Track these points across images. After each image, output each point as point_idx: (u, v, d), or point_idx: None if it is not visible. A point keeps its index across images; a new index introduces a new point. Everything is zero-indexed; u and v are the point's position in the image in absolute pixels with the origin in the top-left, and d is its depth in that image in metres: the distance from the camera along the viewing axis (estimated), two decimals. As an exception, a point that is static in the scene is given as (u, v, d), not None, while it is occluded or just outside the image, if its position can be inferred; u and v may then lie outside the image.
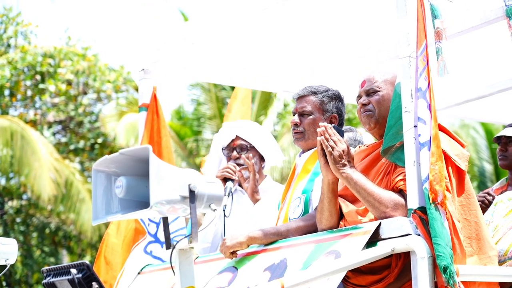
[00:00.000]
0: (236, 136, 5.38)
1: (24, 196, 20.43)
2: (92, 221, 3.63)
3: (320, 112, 4.65)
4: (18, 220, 20.76)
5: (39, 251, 21.29)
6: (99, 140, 20.87)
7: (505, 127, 5.66)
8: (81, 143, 21.07)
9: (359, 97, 4.13)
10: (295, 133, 4.67)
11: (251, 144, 5.36)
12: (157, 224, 5.53)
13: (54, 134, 21.52)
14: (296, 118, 4.66)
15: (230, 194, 4.97)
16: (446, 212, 3.63)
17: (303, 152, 4.71)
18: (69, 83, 20.68)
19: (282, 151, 15.72)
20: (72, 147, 21.04)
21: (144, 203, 3.42)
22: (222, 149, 5.44)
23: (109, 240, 5.55)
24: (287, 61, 5.85)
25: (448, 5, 3.97)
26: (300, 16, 5.03)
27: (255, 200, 5.08)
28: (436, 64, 3.81)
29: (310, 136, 4.63)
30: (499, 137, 5.57)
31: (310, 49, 5.64)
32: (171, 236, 4.08)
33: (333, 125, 3.91)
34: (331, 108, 4.66)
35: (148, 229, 5.52)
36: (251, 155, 5.24)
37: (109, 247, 5.55)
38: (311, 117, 4.64)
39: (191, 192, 3.46)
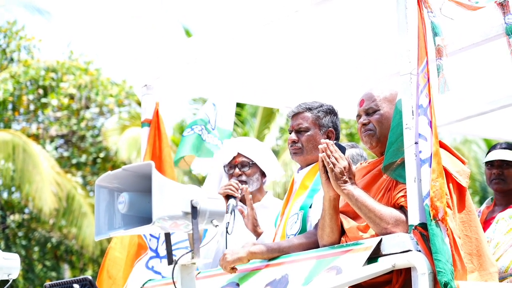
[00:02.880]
0: (238, 153, 5.40)
1: (26, 210, 20.43)
2: (94, 236, 3.65)
3: (316, 128, 4.69)
4: (20, 234, 20.75)
5: (40, 265, 21.26)
6: (101, 154, 20.87)
7: (492, 150, 5.67)
8: (83, 157, 21.07)
9: (359, 116, 4.15)
10: (292, 149, 4.71)
11: (252, 161, 5.38)
12: (158, 239, 5.55)
13: (56, 148, 21.53)
14: (293, 136, 4.70)
15: (233, 211, 5.00)
16: (447, 229, 3.65)
17: (301, 168, 4.75)
18: (71, 97, 20.71)
19: (284, 166, 15.73)
20: (74, 161, 21.05)
21: (146, 219, 3.44)
22: (224, 166, 5.47)
23: (112, 254, 5.56)
24: (289, 77, 5.88)
25: (449, 23, 3.99)
26: (302, 32, 5.07)
27: (257, 234, 5.05)
28: (437, 81, 3.83)
29: (308, 151, 4.67)
30: (492, 161, 5.58)
31: (311, 65, 5.67)
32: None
33: (334, 141, 3.94)
34: (327, 122, 4.71)
35: (150, 244, 5.54)
36: (249, 189, 5.23)
37: (112, 261, 5.56)
38: (308, 133, 4.68)
39: (193, 208, 3.48)
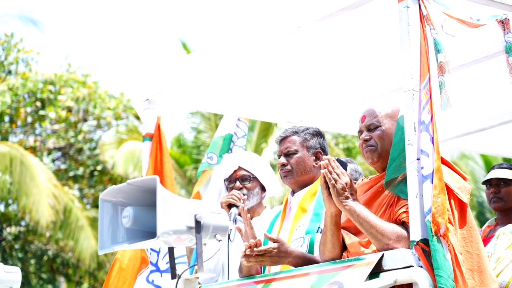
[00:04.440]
0: (239, 167, 5.44)
1: (23, 223, 20.41)
2: (98, 250, 3.67)
3: (305, 149, 4.78)
4: (16, 246, 20.73)
5: (36, 278, 21.23)
6: (99, 167, 20.88)
7: (491, 169, 5.70)
8: (81, 170, 21.08)
9: (360, 132, 4.17)
10: (283, 172, 4.76)
11: (253, 175, 5.42)
12: (158, 253, 5.56)
13: (53, 160, 21.55)
14: (282, 159, 4.78)
15: (235, 220, 5.05)
16: (449, 244, 3.66)
17: (293, 191, 4.79)
18: (69, 110, 20.74)
19: (281, 180, 15.71)
20: (71, 173, 21.06)
21: (150, 233, 3.46)
22: (224, 180, 5.50)
23: (118, 266, 5.57)
24: (289, 92, 5.90)
25: (451, 40, 4.02)
26: (301, 48, 5.09)
27: None
28: (439, 98, 3.85)
29: (298, 173, 4.75)
30: (489, 180, 5.60)
31: (312, 80, 5.69)
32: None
33: (336, 158, 3.96)
34: (314, 144, 4.79)
35: (150, 258, 5.55)
36: (249, 203, 5.28)
37: (117, 273, 5.56)
38: (297, 155, 4.76)
39: (197, 223, 3.50)
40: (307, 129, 4.85)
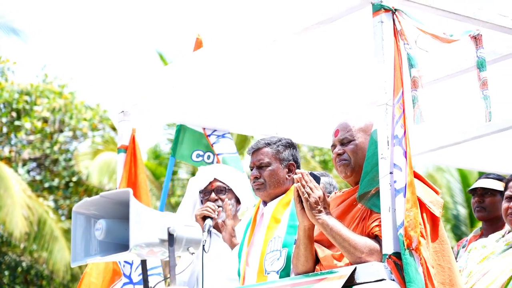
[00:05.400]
0: (214, 178, 5.43)
1: (-3, 234, 20.28)
2: (71, 263, 3.66)
3: (277, 162, 4.76)
4: (-10, 258, 20.59)
5: (10, 290, 21.09)
6: (74, 178, 20.79)
7: (478, 178, 5.73)
8: (56, 181, 20.97)
9: (334, 146, 4.18)
10: (255, 185, 4.75)
11: (228, 187, 5.41)
12: (131, 265, 5.55)
13: (28, 171, 21.42)
14: (255, 172, 4.76)
15: (209, 231, 5.05)
16: (421, 258, 3.68)
17: (265, 202, 4.79)
18: (45, 120, 20.65)
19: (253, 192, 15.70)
20: (46, 185, 20.94)
21: (123, 246, 3.46)
22: (199, 191, 5.49)
23: (87, 280, 5.55)
24: (265, 105, 5.92)
25: (424, 54, 4.05)
26: (276, 61, 5.11)
27: (233, 245, 5.11)
28: (412, 112, 3.88)
29: (271, 186, 4.74)
30: (475, 189, 5.63)
31: (287, 93, 5.71)
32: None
33: (309, 171, 3.97)
34: (287, 156, 4.78)
35: (123, 270, 5.53)
36: (229, 201, 5.29)
37: (87, 287, 5.54)
38: (270, 168, 4.75)
39: (170, 236, 3.50)
40: (280, 140, 4.83)
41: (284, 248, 4.50)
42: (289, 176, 4.76)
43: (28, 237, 18.51)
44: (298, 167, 4.81)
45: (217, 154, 6.25)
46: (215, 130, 6.30)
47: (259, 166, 4.77)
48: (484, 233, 5.47)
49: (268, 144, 4.80)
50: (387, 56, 3.90)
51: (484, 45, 4.02)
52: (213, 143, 6.28)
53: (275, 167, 4.76)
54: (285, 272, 4.42)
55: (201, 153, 6.39)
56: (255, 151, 4.82)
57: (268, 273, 4.51)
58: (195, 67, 5.17)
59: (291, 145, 4.84)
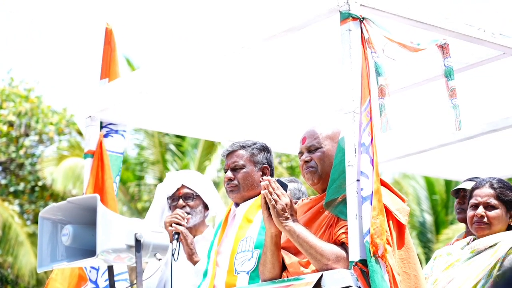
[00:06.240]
0: (182, 185, 5.43)
1: (-39, 239, 20.09)
2: (37, 268, 3.64)
3: (252, 165, 4.79)
4: (-46, 262, 20.39)
5: (-26, 295, 20.91)
6: (40, 183, 20.66)
7: (463, 181, 5.76)
8: (21, 186, 20.83)
9: (301, 153, 4.19)
10: (229, 187, 4.77)
11: (196, 193, 5.42)
12: (97, 271, 5.52)
13: (-6, 175, 21.27)
14: (229, 174, 4.78)
15: (178, 239, 5.06)
16: (387, 265, 3.70)
17: (237, 204, 4.80)
18: (11, 124, 20.50)
19: (224, 198, 15.73)
20: (12, 189, 20.79)
21: (90, 251, 3.45)
22: (167, 198, 5.49)
23: (53, 285, 5.51)
24: (232, 111, 5.93)
25: (392, 63, 4.08)
26: (245, 67, 5.12)
27: (194, 262, 5.13)
28: (379, 120, 3.90)
29: (245, 188, 4.76)
30: (457, 190, 5.66)
31: (254, 99, 5.72)
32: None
33: (276, 178, 3.98)
34: (261, 159, 4.81)
35: (89, 275, 5.50)
36: (192, 221, 5.31)
37: None
38: (244, 170, 4.77)
39: (137, 241, 3.50)
40: (255, 143, 4.86)
41: (256, 249, 4.51)
42: (262, 179, 4.78)
43: (-7, 241, 18.38)
44: (272, 171, 4.85)
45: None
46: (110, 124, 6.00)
47: (233, 168, 4.79)
48: (467, 236, 5.50)
49: (243, 147, 4.83)
50: (355, 64, 3.92)
51: (451, 54, 4.06)
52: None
53: (249, 169, 4.78)
54: (255, 273, 4.43)
55: None
56: (230, 153, 4.84)
57: (238, 273, 4.51)
58: (163, 73, 5.17)
59: (265, 149, 4.87)
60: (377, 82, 3.92)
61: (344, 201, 3.86)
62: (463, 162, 7.00)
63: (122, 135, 5.95)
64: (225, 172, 4.82)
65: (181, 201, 5.40)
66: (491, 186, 4.82)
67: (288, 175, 19.03)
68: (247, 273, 4.48)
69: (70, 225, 3.49)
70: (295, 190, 5.19)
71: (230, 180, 4.78)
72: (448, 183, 19.62)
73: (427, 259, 17.94)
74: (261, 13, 4.57)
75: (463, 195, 5.61)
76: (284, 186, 3.94)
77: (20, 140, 20.78)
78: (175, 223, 5.17)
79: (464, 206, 5.57)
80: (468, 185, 5.58)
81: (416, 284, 3.88)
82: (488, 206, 4.78)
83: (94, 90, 5.79)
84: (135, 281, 3.66)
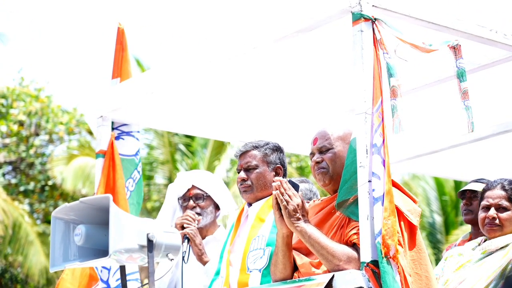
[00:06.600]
0: (192, 185, 5.44)
1: (-29, 237, 20.14)
2: (50, 268, 3.65)
3: (265, 165, 4.78)
4: (-36, 261, 20.44)
5: (-16, 294, 20.95)
6: (50, 182, 20.69)
7: (469, 182, 5.75)
8: (31, 185, 20.87)
9: (312, 154, 4.19)
10: (243, 187, 4.77)
11: (207, 193, 5.42)
12: (109, 271, 5.53)
13: (4, 175, 21.30)
14: (242, 174, 4.78)
15: (189, 241, 5.07)
16: (398, 266, 3.70)
17: (249, 204, 4.81)
18: (21, 124, 20.54)
19: (235, 198, 15.72)
20: (22, 188, 20.83)
21: (102, 251, 3.46)
22: (178, 198, 5.49)
23: (63, 286, 5.52)
24: (243, 111, 5.93)
25: (404, 64, 4.08)
26: (256, 68, 5.13)
27: (203, 262, 5.15)
28: (391, 122, 3.90)
29: (258, 188, 4.76)
30: (464, 192, 5.65)
31: (265, 100, 5.73)
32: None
33: (288, 179, 3.98)
34: (274, 159, 4.80)
35: (101, 275, 5.51)
36: (202, 221, 5.32)
37: None
38: (257, 170, 4.77)
39: (149, 242, 3.51)
40: (267, 144, 4.85)
41: (268, 247, 4.51)
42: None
43: (3, 240, 18.40)
44: (285, 171, 4.84)
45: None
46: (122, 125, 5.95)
47: (246, 169, 4.79)
48: (473, 237, 5.48)
49: (256, 147, 4.82)
50: (367, 65, 3.92)
51: (463, 55, 4.05)
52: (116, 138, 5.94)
53: (262, 170, 4.78)
54: (267, 271, 4.43)
55: None
56: (243, 153, 4.84)
57: (250, 271, 4.52)
58: (174, 73, 5.18)
59: (278, 149, 4.86)
60: (389, 83, 3.92)
61: (355, 202, 3.85)
62: (473, 163, 6.99)
63: (134, 136, 5.95)
64: (238, 173, 4.82)
65: (191, 202, 5.41)
66: (503, 187, 4.82)
67: (298, 175, 19.01)
68: (259, 270, 4.48)
69: (83, 225, 3.50)
70: (306, 190, 5.19)
71: (243, 180, 4.78)
72: (458, 184, 19.56)
73: (437, 260, 17.91)
74: (273, 14, 4.58)
75: (469, 196, 5.60)
76: (295, 186, 3.94)
77: (30, 140, 20.82)
78: (185, 225, 5.18)
79: (471, 207, 5.56)
80: (475, 187, 5.57)
81: (427, 285, 3.87)
82: (500, 208, 4.78)
83: (106, 90, 5.80)
84: (145, 281, 3.66)
